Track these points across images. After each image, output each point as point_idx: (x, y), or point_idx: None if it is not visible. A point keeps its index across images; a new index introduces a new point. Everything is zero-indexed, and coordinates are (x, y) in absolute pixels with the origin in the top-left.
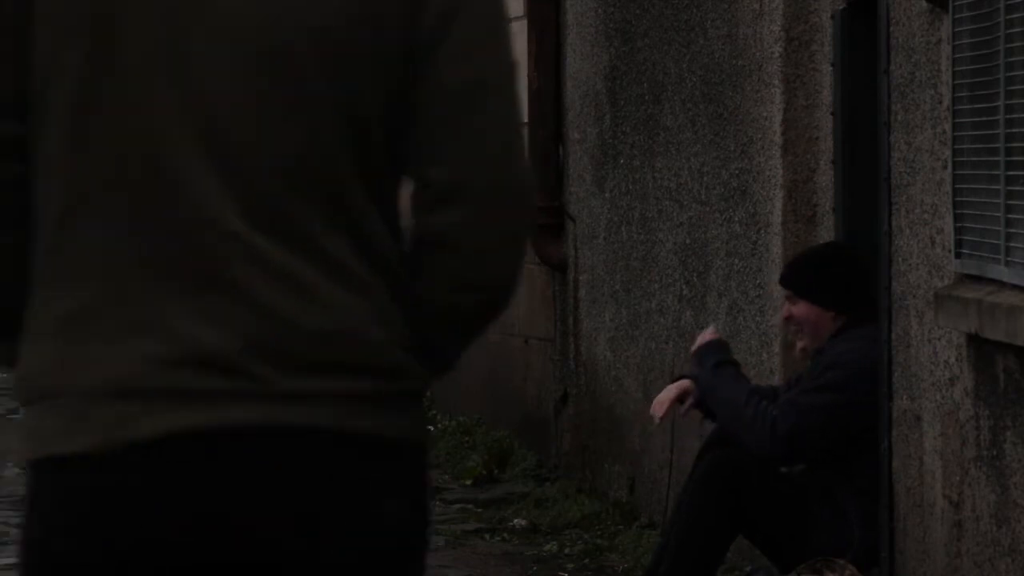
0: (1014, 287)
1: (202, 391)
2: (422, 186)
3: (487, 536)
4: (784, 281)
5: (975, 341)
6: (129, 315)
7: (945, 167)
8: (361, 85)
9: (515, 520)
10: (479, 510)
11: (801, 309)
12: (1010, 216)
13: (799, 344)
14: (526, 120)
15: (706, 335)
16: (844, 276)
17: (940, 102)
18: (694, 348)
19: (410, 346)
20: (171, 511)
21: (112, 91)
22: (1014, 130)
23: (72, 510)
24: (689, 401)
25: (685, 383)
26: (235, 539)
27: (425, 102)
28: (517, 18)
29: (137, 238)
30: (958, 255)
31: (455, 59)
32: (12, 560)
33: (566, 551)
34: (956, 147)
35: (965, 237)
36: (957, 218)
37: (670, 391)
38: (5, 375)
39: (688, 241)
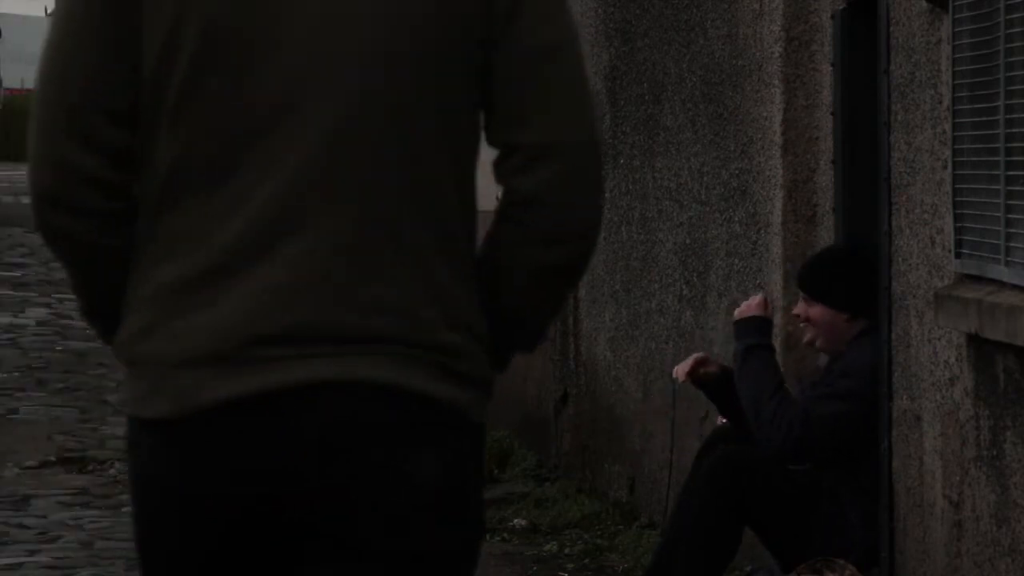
0: (1014, 287)
1: (267, 356)
2: (510, 151)
3: (487, 536)
4: (800, 283)
5: (975, 341)
6: (214, 288)
7: (945, 167)
8: (449, 72)
9: (515, 520)
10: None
11: (816, 311)
12: (1010, 216)
13: (807, 337)
14: None
15: (752, 305)
16: (859, 279)
17: (940, 102)
18: (736, 316)
19: (478, 324)
20: (241, 464)
21: (215, 86)
22: (1014, 130)
23: (153, 464)
24: (711, 368)
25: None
26: (294, 495)
27: (505, 74)
28: None
29: (230, 217)
30: (958, 255)
31: (530, 31)
32: (12, 560)
33: (566, 551)
34: (956, 147)
35: (965, 237)
36: (957, 218)
37: (692, 357)
38: (5, 375)
39: (688, 241)
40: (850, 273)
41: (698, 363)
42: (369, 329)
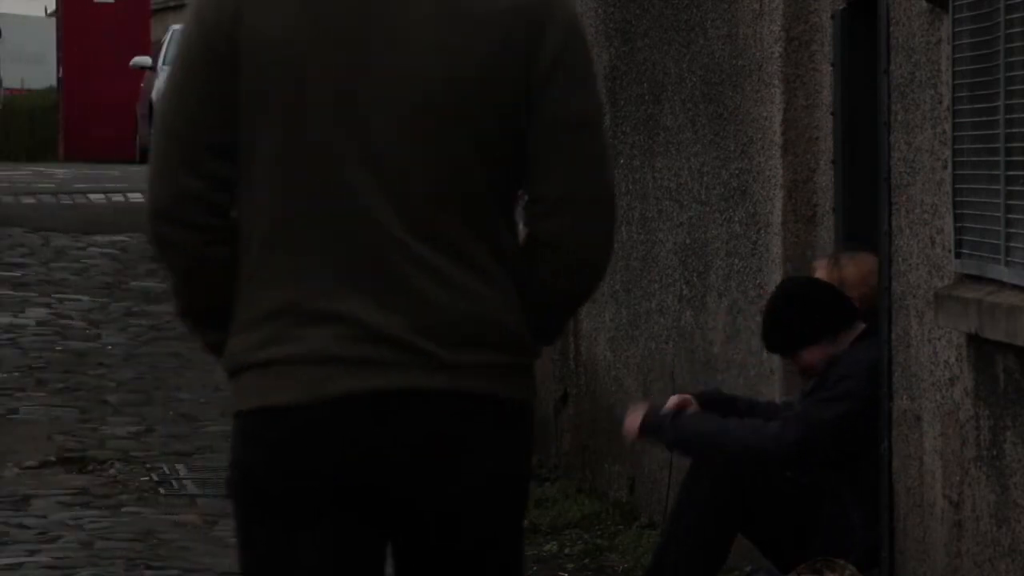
0: (1014, 287)
1: (377, 361)
2: (534, 200)
3: None
4: (775, 348)
5: (975, 341)
6: (323, 306)
7: (945, 167)
8: (487, 124)
9: None
10: None
11: (808, 356)
12: (1010, 216)
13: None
14: None
15: (635, 417)
16: (815, 305)
17: (940, 102)
18: (632, 430)
19: (520, 321)
20: (352, 444)
21: (303, 138)
22: (1014, 130)
23: (275, 445)
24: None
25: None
26: (390, 472)
27: (535, 134)
28: None
29: (328, 250)
30: (958, 255)
31: (559, 102)
32: (12, 560)
33: (566, 551)
34: (956, 147)
35: (965, 237)
36: (957, 218)
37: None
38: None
39: (688, 241)
40: (807, 307)
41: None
42: (459, 342)
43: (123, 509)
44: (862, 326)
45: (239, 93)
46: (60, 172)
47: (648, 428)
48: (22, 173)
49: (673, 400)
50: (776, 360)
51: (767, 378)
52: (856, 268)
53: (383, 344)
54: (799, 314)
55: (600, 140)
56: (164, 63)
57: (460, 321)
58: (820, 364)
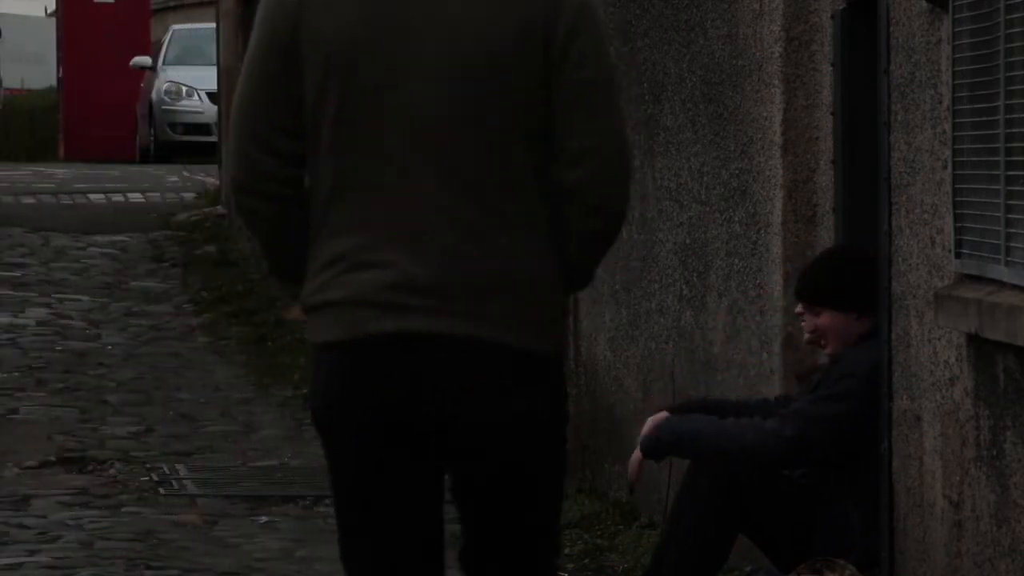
0: (1014, 287)
1: (406, 306)
2: (560, 152)
3: None
4: (801, 294)
5: (975, 341)
6: (369, 256)
7: (945, 167)
8: (518, 92)
9: None
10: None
11: (825, 319)
12: (1010, 216)
13: (826, 351)
14: None
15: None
16: (860, 275)
17: (940, 102)
18: (634, 472)
19: (557, 277)
20: (385, 378)
21: (357, 111)
22: (1014, 130)
23: (329, 374)
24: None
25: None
26: (432, 409)
27: (559, 96)
28: None
29: (374, 209)
30: (958, 255)
31: (578, 65)
32: (12, 560)
33: (566, 551)
34: (956, 147)
35: (965, 237)
36: (957, 218)
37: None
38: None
39: (688, 241)
40: (851, 272)
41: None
42: (474, 293)
43: (123, 509)
44: (870, 320)
45: (304, 83)
46: (60, 172)
47: (648, 449)
48: (22, 173)
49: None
50: (776, 360)
51: (767, 378)
52: None
53: (414, 292)
54: (844, 271)
55: (614, 99)
56: (164, 63)
57: (489, 274)
58: (832, 335)
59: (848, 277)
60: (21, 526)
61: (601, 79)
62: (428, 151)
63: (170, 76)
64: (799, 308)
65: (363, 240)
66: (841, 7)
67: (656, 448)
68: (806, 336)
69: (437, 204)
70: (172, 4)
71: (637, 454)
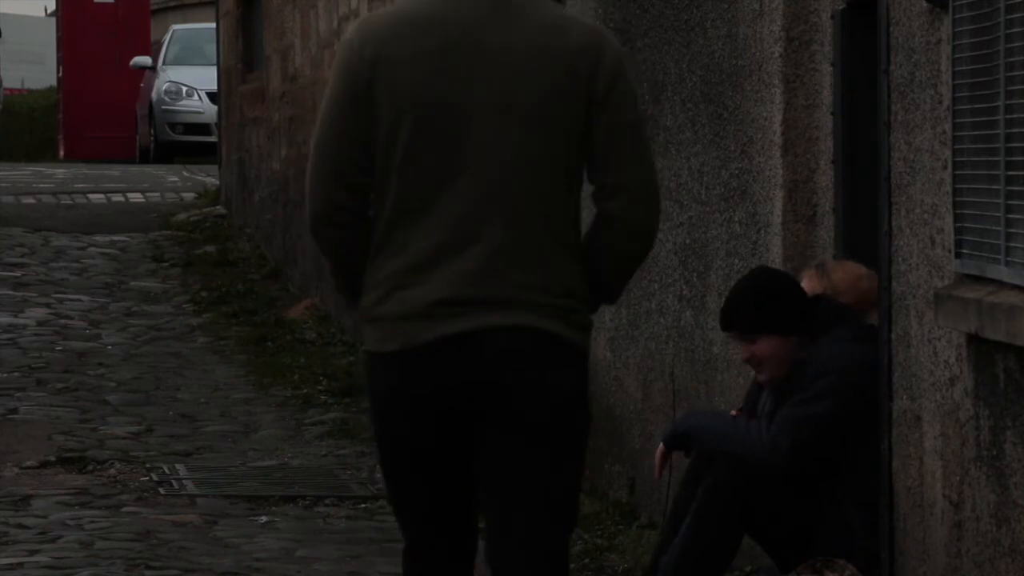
0: (1014, 287)
1: (458, 314)
2: (599, 187)
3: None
4: (732, 325)
5: (975, 341)
6: (423, 274)
7: (945, 167)
8: (558, 130)
9: None
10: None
11: (763, 346)
12: (1010, 216)
13: (761, 378)
14: None
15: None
16: (792, 298)
17: (940, 102)
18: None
19: (583, 293)
20: (435, 379)
21: (424, 151)
22: (1014, 130)
23: (390, 384)
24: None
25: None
26: (479, 393)
27: (597, 138)
28: None
29: (431, 231)
30: (958, 255)
31: (614, 112)
32: (12, 560)
33: None
34: (956, 147)
35: (965, 237)
36: (957, 218)
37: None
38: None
39: (688, 241)
40: (784, 295)
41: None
42: (519, 298)
43: (123, 509)
44: (805, 338)
45: (377, 126)
46: (60, 172)
47: (668, 441)
48: (22, 173)
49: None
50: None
51: None
52: (844, 273)
53: (465, 304)
54: (765, 298)
55: (644, 141)
56: (164, 63)
57: (529, 286)
58: (771, 361)
59: (784, 301)
60: (21, 526)
61: (636, 121)
62: (483, 186)
63: (170, 76)
64: (743, 354)
65: (419, 260)
66: (841, 7)
67: (674, 439)
68: (747, 361)
69: (487, 231)
70: (172, 4)
71: (660, 447)
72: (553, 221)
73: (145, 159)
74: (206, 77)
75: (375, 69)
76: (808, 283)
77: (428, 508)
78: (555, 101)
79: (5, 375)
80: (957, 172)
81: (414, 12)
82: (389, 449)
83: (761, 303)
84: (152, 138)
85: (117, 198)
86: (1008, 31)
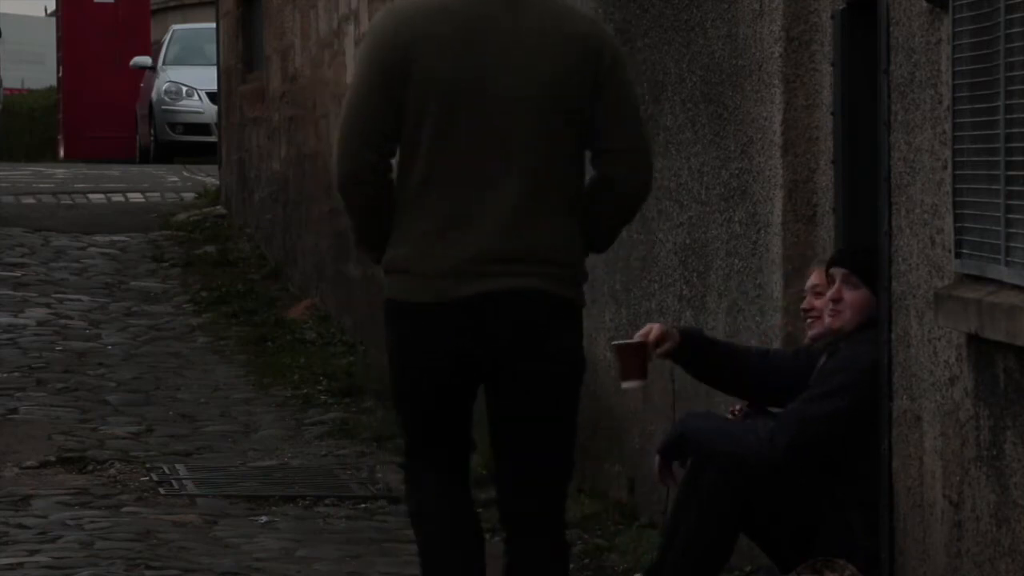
0: (1014, 287)
1: (483, 273)
2: (599, 153)
3: (487, 536)
4: (851, 263)
5: (975, 341)
6: (451, 235)
7: (945, 167)
8: (573, 108)
9: None
10: (479, 510)
11: (858, 296)
12: (1010, 216)
13: (822, 328)
14: None
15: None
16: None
17: (940, 102)
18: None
19: (583, 251)
20: (466, 333)
21: (452, 124)
22: (1014, 130)
23: (415, 332)
24: (667, 345)
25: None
26: (496, 345)
27: (599, 112)
28: None
29: (459, 196)
30: (958, 255)
31: (613, 90)
32: (12, 560)
33: None
34: (956, 147)
35: (965, 237)
36: (957, 218)
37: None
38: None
39: (688, 241)
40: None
41: (652, 347)
42: (534, 259)
43: (123, 509)
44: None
45: (406, 98)
46: (60, 172)
47: (663, 451)
48: (22, 173)
49: (655, 330)
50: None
51: None
52: None
53: (488, 262)
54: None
55: (639, 113)
56: (164, 63)
57: (541, 246)
58: (853, 311)
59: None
60: (21, 526)
61: (633, 98)
62: (504, 156)
63: (170, 76)
64: (831, 277)
65: (450, 221)
66: (841, 7)
67: (668, 448)
68: (814, 304)
69: (507, 196)
70: (172, 4)
71: (657, 459)
72: (563, 185)
73: (145, 159)
74: (206, 77)
75: (409, 49)
76: (817, 278)
77: (433, 425)
78: (566, 78)
79: (5, 375)
80: (957, 172)
81: (441, 2)
82: (407, 379)
83: (875, 262)
84: (152, 138)
85: (117, 198)
86: (1008, 31)
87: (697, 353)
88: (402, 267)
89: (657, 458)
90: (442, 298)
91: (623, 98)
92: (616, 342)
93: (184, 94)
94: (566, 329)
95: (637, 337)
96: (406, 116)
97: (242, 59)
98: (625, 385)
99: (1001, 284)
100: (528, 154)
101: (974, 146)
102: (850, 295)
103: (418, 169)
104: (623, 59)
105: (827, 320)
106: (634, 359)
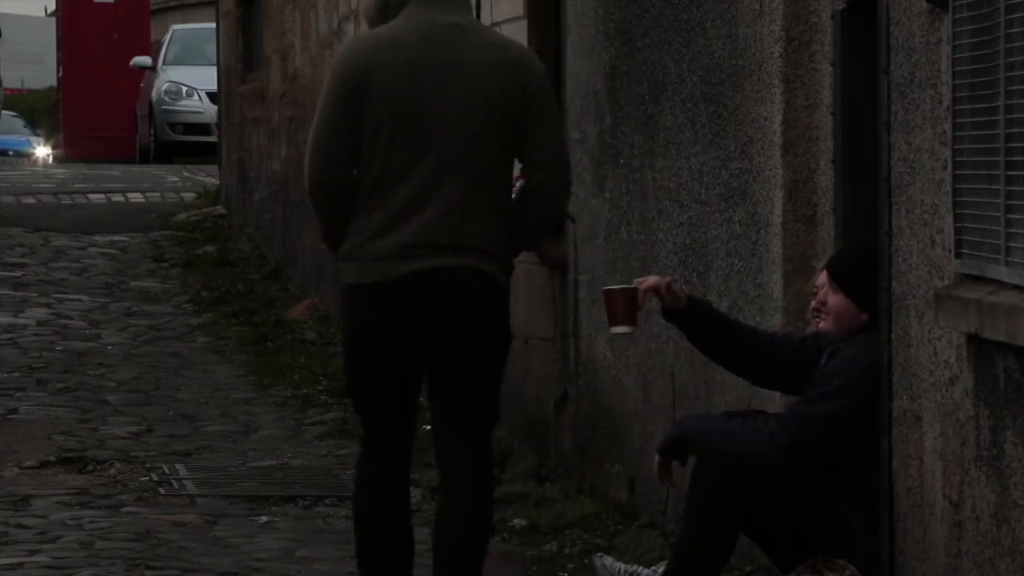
0: (1014, 287)
1: (420, 255)
2: (526, 164)
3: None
4: (833, 268)
5: (975, 341)
6: (397, 226)
7: (945, 167)
8: (502, 123)
9: (515, 520)
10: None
11: (839, 301)
12: (1010, 216)
13: (817, 324)
14: None
15: (649, 283)
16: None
17: (940, 102)
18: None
19: (509, 245)
20: (410, 303)
21: (401, 138)
22: (1014, 130)
23: (364, 308)
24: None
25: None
26: (436, 312)
27: (527, 129)
28: (517, 18)
29: (403, 194)
30: (958, 255)
31: (538, 112)
32: (12, 560)
33: (566, 551)
34: (956, 147)
35: (965, 237)
36: (957, 218)
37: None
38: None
39: (688, 241)
40: (870, 267)
41: (643, 295)
42: (467, 244)
43: (123, 509)
44: (864, 318)
45: (364, 118)
46: (60, 172)
47: (663, 450)
48: (22, 173)
49: (651, 280)
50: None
51: None
52: None
53: (421, 247)
54: (869, 267)
55: (561, 130)
56: (164, 63)
57: (472, 238)
58: (835, 318)
59: (867, 272)
60: (21, 526)
61: (556, 118)
62: (443, 164)
63: (170, 76)
64: (822, 280)
65: (393, 215)
66: (841, 7)
67: (668, 448)
68: (813, 304)
69: (444, 196)
70: (172, 4)
71: (656, 458)
72: (492, 189)
73: (145, 159)
74: (206, 77)
75: (366, 76)
76: (823, 277)
77: (385, 402)
78: (498, 100)
79: (5, 375)
80: (957, 172)
81: (393, 35)
82: (362, 359)
83: (863, 269)
84: (152, 138)
85: (117, 198)
86: (1008, 31)
87: (703, 321)
88: (355, 255)
89: (656, 458)
90: (388, 277)
91: (547, 118)
92: (607, 287)
93: (184, 94)
94: (495, 301)
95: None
96: (363, 131)
97: (242, 59)
98: (614, 330)
99: (1001, 284)
100: (463, 163)
101: (974, 146)
102: (832, 300)
103: (372, 173)
104: (548, 85)
105: (820, 324)
106: (624, 304)
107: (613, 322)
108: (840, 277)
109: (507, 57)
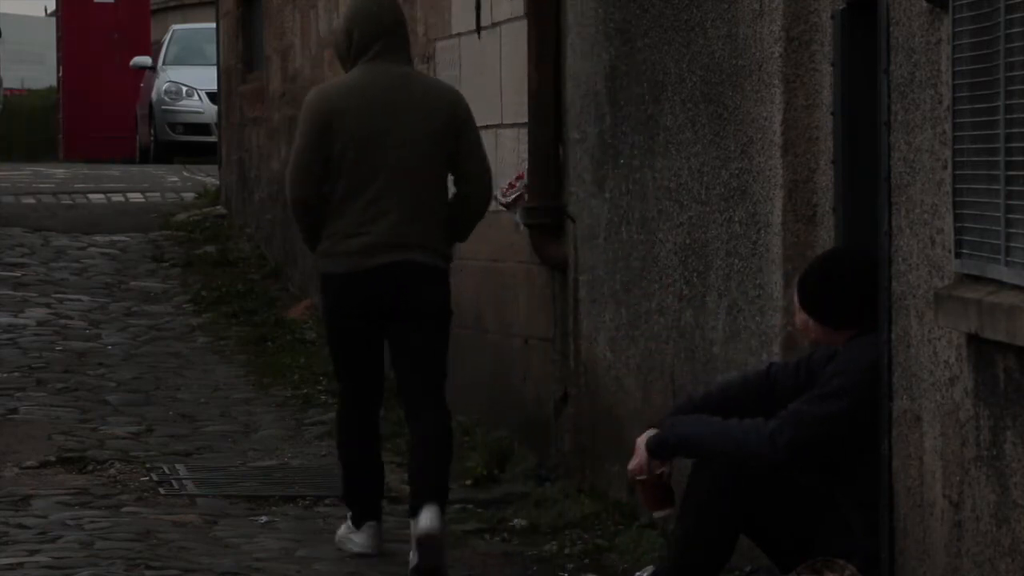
0: (1014, 287)
1: (384, 251)
2: (457, 177)
3: (487, 536)
4: (800, 298)
5: (975, 341)
6: (361, 230)
7: (945, 167)
8: (443, 148)
9: (515, 520)
10: (479, 510)
11: (815, 325)
12: (1010, 216)
13: (808, 340)
14: (526, 120)
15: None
16: (850, 291)
17: (940, 102)
18: (644, 446)
19: (448, 240)
20: (373, 288)
21: (362, 161)
22: (1014, 130)
23: (339, 291)
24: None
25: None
26: (393, 295)
27: (458, 150)
28: (517, 18)
29: (365, 208)
30: (958, 255)
31: (466, 136)
32: (12, 560)
33: (566, 551)
34: (956, 147)
35: (965, 237)
36: (957, 218)
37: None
38: (5, 375)
39: (688, 241)
40: (839, 286)
41: (665, 473)
42: (415, 243)
43: (123, 509)
44: (851, 331)
45: (333, 147)
46: (60, 172)
47: (654, 448)
48: (22, 173)
49: (644, 460)
50: (776, 360)
51: None
52: None
53: (382, 247)
54: (831, 287)
55: (482, 149)
56: (164, 63)
57: (418, 237)
58: (810, 335)
59: (846, 295)
60: (21, 526)
61: (479, 139)
62: (396, 181)
63: (170, 76)
64: (796, 316)
65: (357, 223)
66: (841, 7)
67: (662, 447)
68: (797, 324)
69: (397, 207)
70: (172, 4)
71: (644, 452)
72: (433, 198)
73: (145, 159)
74: (206, 77)
75: (333, 115)
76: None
77: (362, 367)
78: (438, 132)
79: (5, 375)
80: (957, 172)
81: (352, 83)
82: (340, 335)
83: (825, 290)
84: (152, 138)
85: (117, 198)
86: (1008, 31)
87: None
88: (330, 252)
89: (645, 454)
90: (356, 269)
91: (471, 142)
92: (638, 478)
93: (184, 94)
94: (438, 284)
95: (636, 467)
96: (332, 158)
97: (242, 59)
98: (657, 515)
99: (1001, 284)
100: (412, 180)
101: (974, 146)
102: (805, 324)
103: (340, 190)
104: (471, 115)
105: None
106: (656, 490)
107: (652, 508)
108: (809, 306)
109: (443, 97)
